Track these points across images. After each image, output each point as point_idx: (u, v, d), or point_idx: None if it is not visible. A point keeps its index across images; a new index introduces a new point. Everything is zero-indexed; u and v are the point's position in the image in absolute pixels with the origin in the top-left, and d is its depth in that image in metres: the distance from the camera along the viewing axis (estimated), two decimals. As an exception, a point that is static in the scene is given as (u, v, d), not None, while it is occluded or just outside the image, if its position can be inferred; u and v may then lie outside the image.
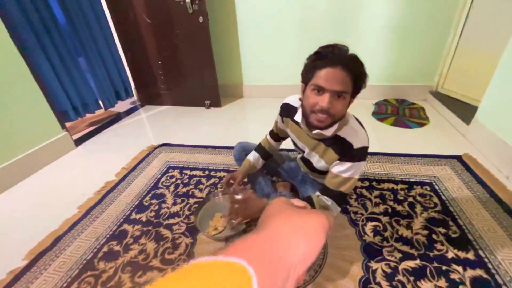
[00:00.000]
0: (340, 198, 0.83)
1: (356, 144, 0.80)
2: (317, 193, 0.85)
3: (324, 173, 0.96)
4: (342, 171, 0.82)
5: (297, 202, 0.30)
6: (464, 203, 1.19)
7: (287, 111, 0.98)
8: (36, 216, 1.36)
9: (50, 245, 1.15)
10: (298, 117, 0.86)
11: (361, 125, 0.87)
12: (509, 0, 1.62)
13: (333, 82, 0.68)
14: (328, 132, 0.81)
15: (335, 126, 0.81)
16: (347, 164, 0.81)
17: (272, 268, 0.20)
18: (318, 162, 0.93)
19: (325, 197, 0.83)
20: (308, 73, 0.74)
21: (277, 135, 1.12)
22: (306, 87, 0.77)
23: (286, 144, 1.20)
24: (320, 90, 0.71)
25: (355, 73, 0.70)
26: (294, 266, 0.22)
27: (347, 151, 0.81)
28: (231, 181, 1.15)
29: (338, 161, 0.83)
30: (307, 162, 1.00)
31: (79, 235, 1.20)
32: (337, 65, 0.68)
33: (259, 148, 1.15)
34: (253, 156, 1.13)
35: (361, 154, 0.80)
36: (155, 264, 1.04)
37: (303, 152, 1.00)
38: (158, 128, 2.25)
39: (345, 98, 0.72)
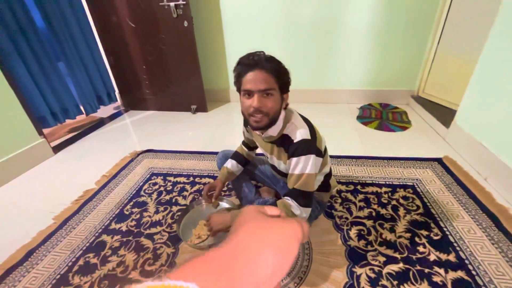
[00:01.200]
0: (298, 196, 0.82)
1: (296, 138, 0.82)
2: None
3: None
4: (292, 169, 0.83)
5: (271, 210, 0.27)
6: (445, 205, 1.21)
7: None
8: (8, 228, 1.28)
9: (21, 260, 1.08)
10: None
11: (306, 120, 0.89)
12: (484, 8, 1.69)
13: (257, 83, 0.75)
14: (274, 132, 0.87)
15: (279, 125, 0.86)
16: (293, 160, 0.82)
17: None
18: (279, 164, 0.95)
19: (286, 197, 0.83)
20: (237, 82, 0.81)
21: (248, 145, 1.14)
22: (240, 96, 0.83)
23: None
24: (249, 93, 0.78)
25: (274, 70, 0.76)
26: (262, 283, 0.19)
27: (290, 147, 0.84)
28: (211, 191, 1.13)
29: (288, 160, 0.86)
30: (274, 168, 1.01)
31: (53, 248, 1.13)
32: (256, 67, 0.75)
33: (236, 155, 1.15)
34: (230, 163, 1.13)
35: (302, 148, 0.81)
36: (135, 276, 0.99)
37: (268, 158, 1.01)
38: (143, 133, 2.20)
39: (274, 95, 0.78)
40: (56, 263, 1.06)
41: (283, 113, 0.86)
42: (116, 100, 2.82)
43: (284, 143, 0.87)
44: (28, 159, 1.75)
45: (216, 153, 1.71)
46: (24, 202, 1.45)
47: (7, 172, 1.63)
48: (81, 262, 1.06)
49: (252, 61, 0.76)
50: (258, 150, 1.18)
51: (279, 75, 0.77)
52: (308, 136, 0.83)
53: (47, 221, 1.28)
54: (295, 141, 0.82)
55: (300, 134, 0.82)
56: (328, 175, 1.02)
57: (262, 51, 0.79)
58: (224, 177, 1.11)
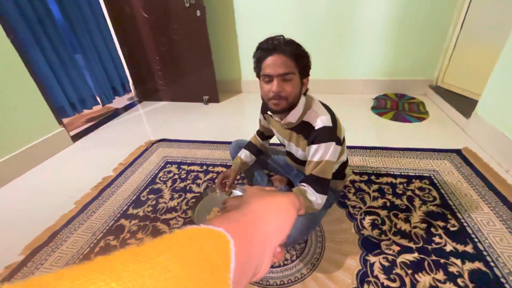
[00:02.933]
0: (314, 182, 0.82)
1: (317, 125, 0.82)
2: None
3: None
4: (311, 155, 0.83)
5: (269, 188, 0.36)
6: (463, 196, 1.18)
7: (264, 107, 1.01)
8: (33, 211, 1.35)
9: (47, 240, 1.15)
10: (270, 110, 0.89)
11: (327, 108, 0.88)
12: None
13: (276, 67, 0.75)
14: (293, 118, 0.86)
15: (299, 111, 0.85)
16: (313, 147, 0.82)
17: (248, 236, 0.23)
18: (296, 151, 0.94)
19: (302, 183, 0.84)
20: (256, 68, 0.81)
21: (263, 134, 1.14)
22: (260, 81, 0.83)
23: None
24: (269, 78, 0.77)
25: (293, 54, 0.75)
26: (270, 236, 0.26)
27: (310, 134, 0.83)
28: (225, 180, 1.14)
29: (307, 147, 0.85)
30: (291, 155, 1.01)
31: (75, 230, 1.19)
32: (275, 52, 0.75)
33: (250, 146, 1.15)
34: (244, 154, 1.13)
35: (323, 135, 0.81)
36: (152, 258, 1.03)
37: (285, 145, 1.01)
38: (156, 123, 2.24)
39: (293, 79, 0.77)
40: (79, 244, 1.12)
41: (303, 99, 0.85)
42: (130, 91, 2.88)
43: (304, 129, 0.86)
44: (49, 147, 1.83)
45: (228, 143, 1.73)
46: (46, 187, 1.52)
47: (30, 159, 1.71)
48: (102, 244, 1.12)
49: (271, 45, 0.75)
50: (272, 140, 1.18)
51: (298, 59, 0.76)
52: (330, 124, 0.82)
53: (69, 206, 1.35)
54: (316, 128, 0.82)
55: (321, 121, 0.81)
56: (344, 164, 1.01)
57: (282, 35, 0.78)
58: (237, 167, 1.12)
